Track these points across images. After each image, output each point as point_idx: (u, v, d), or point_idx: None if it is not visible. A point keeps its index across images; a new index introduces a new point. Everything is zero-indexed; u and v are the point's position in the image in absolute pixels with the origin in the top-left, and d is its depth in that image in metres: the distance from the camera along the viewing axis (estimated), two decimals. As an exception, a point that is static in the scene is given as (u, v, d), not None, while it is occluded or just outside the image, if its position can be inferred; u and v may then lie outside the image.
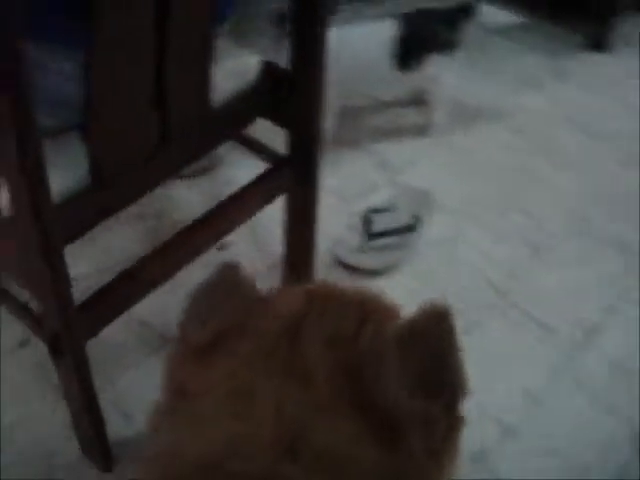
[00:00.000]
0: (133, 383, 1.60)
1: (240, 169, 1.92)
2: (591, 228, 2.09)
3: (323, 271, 1.86)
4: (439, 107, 2.31)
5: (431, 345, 0.63)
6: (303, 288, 0.71)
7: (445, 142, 2.33)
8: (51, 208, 1.05)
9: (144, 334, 1.70)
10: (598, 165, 2.31)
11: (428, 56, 2.17)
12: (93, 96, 1.10)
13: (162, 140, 1.26)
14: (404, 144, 2.32)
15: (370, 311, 0.67)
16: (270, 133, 1.59)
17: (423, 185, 2.12)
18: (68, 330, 1.18)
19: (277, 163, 1.55)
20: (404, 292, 1.89)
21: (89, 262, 1.80)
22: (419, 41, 2.17)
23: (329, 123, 2.23)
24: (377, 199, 2.08)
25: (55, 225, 1.06)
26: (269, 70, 1.42)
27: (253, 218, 1.73)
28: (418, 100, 2.34)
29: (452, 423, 0.64)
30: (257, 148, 1.60)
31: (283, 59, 1.40)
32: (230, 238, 1.93)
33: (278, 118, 1.47)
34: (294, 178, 1.55)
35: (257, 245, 1.94)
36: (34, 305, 1.27)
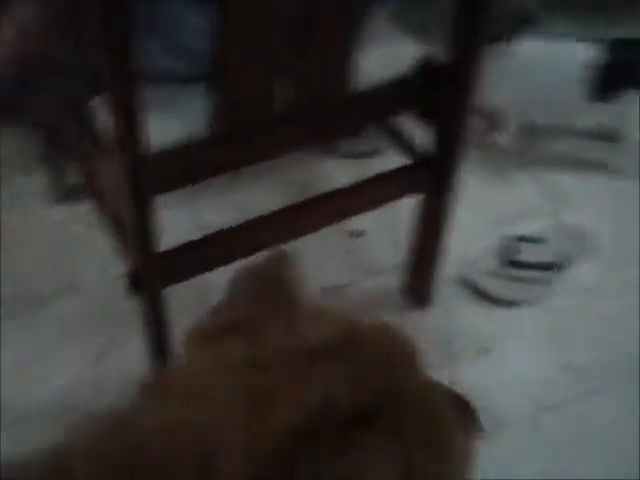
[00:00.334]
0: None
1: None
2: None
3: (445, 287, 1.77)
4: (630, 150, 2.11)
5: None
6: (345, 322, 0.62)
7: (629, 188, 2.12)
8: (144, 151, 1.06)
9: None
10: None
11: (627, 91, 1.98)
12: (223, 51, 1.09)
13: (289, 109, 1.23)
14: (580, 178, 2.14)
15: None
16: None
17: (584, 225, 1.94)
18: (147, 272, 1.19)
19: (417, 160, 1.48)
20: (530, 330, 1.76)
21: (222, 214, 1.83)
22: (621, 73, 1.98)
23: (504, 137, 2.11)
24: (529, 228, 1.94)
25: (143, 169, 1.07)
26: (426, 62, 1.35)
27: (394, 214, 1.67)
28: (606, 136, 2.14)
29: None
30: (402, 142, 1.53)
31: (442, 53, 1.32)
32: (365, 227, 1.90)
33: (426, 113, 1.39)
34: (431, 179, 1.47)
35: (390, 241, 1.88)
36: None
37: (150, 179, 1.09)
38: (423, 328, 1.72)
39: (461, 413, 0.64)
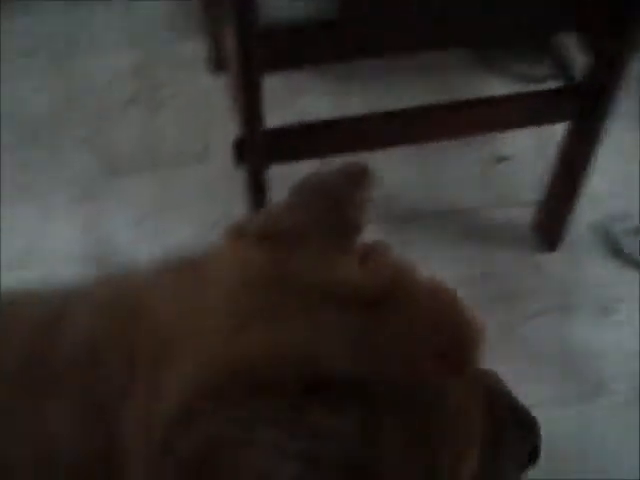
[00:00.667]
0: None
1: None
2: None
3: (579, 233, 1.61)
4: None
5: None
6: (395, 273, 0.54)
7: None
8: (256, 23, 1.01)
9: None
10: None
11: None
12: None
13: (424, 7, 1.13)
14: None
15: None
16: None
17: None
18: (250, 145, 1.17)
19: (569, 82, 1.33)
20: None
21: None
22: None
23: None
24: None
25: (253, 41, 1.03)
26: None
27: (547, 145, 1.53)
28: None
29: None
30: (559, 63, 1.38)
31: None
32: (512, 153, 1.77)
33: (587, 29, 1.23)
34: (582, 106, 1.31)
35: (535, 174, 1.74)
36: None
37: (260, 53, 1.06)
38: (545, 272, 1.60)
39: (520, 428, 0.56)
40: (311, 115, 1.50)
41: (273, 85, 1.53)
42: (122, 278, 0.57)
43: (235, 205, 1.61)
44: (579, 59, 1.46)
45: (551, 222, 1.59)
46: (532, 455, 0.57)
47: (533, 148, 1.73)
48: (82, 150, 1.74)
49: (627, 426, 1.39)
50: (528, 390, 1.22)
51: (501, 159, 1.77)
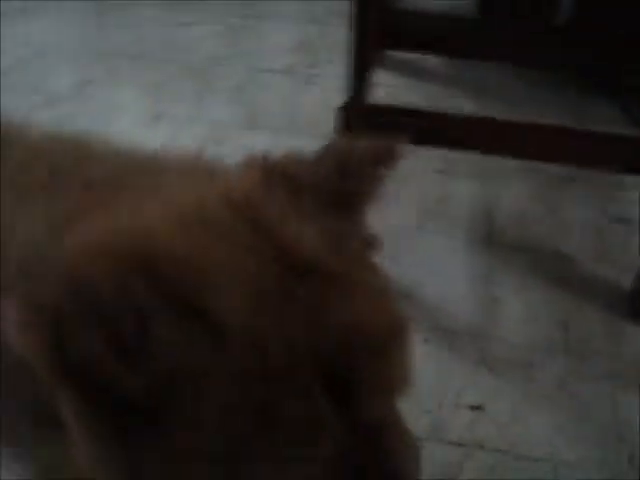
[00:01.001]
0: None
1: None
2: None
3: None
4: None
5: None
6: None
7: None
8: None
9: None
10: None
11: None
12: None
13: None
14: None
15: None
16: None
17: None
18: (354, 111, 1.22)
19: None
20: None
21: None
22: None
23: None
24: None
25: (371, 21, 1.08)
26: None
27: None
28: None
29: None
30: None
31: None
32: (631, 217, 1.71)
33: None
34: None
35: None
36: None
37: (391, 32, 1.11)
38: (624, 341, 1.52)
39: None
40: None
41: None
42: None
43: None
44: None
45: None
46: None
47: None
48: (230, 101, 1.88)
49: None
50: (563, 445, 1.21)
51: (620, 220, 1.71)
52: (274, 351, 0.49)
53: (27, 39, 2.18)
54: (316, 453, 0.53)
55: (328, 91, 1.93)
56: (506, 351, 1.41)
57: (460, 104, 1.71)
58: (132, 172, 0.64)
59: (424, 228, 1.61)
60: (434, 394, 1.37)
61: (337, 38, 2.03)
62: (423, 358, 1.41)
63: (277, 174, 0.58)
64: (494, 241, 1.57)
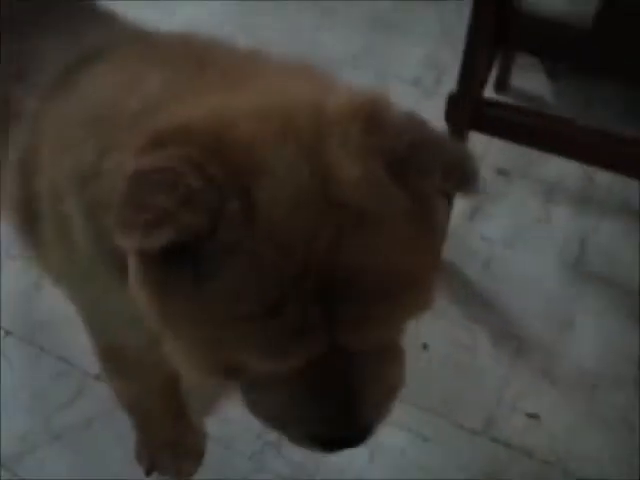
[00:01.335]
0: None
1: None
2: None
3: None
4: None
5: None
6: None
7: None
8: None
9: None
10: None
11: None
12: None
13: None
14: None
15: None
16: None
17: None
18: (460, 106, 1.29)
19: None
20: None
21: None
22: None
23: None
24: None
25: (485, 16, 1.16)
26: None
27: None
28: None
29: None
30: None
31: None
32: None
33: None
34: None
35: None
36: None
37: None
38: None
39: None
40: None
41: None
42: None
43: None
44: None
45: None
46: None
47: None
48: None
49: None
50: (614, 472, 1.23)
51: None
52: (290, 251, 0.58)
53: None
54: (299, 350, 0.61)
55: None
56: (572, 370, 1.45)
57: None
58: (241, 64, 0.75)
59: (518, 243, 1.66)
60: (494, 393, 1.41)
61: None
62: (490, 359, 1.46)
63: (370, 117, 0.64)
64: (581, 269, 1.61)
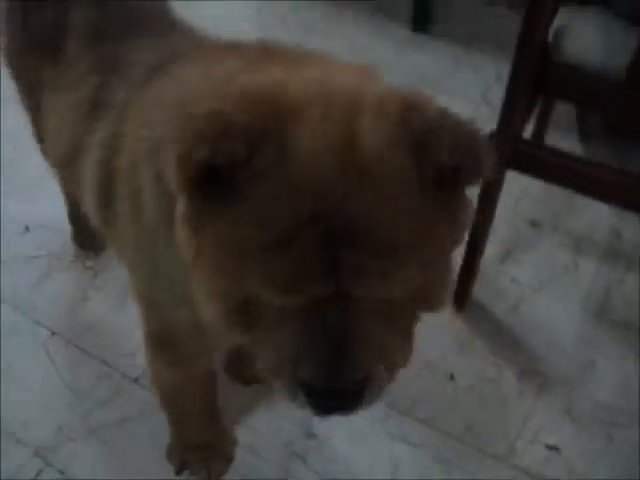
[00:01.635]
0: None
1: None
2: None
3: None
4: None
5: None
6: None
7: None
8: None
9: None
10: None
11: None
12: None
13: None
14: None
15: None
16: None
17: None
18: (500, 142, 1.38)
19: None
20: None
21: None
22: None
23: None
24: None
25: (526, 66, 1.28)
26: None
27: None
28: None
29: None
30: None
31: None
32: None
33: None
34: None
35: None
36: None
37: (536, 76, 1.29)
38: None
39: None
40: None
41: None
42: None
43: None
44: None
45: None
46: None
47: None
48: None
49: None
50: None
51: None
52: (309, 193, 0.68)
53: None
54: (307, 286, 0.69)
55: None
56: (592, 407, 1.50)
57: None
58: (303, 56, 0.86)
59: (546, 288, 1.73)
60: (516, 424, 1.46)
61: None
62: (514, 392, 1.51)
63: (404, 103, 0.73)
64: (605, 316, 1.67)
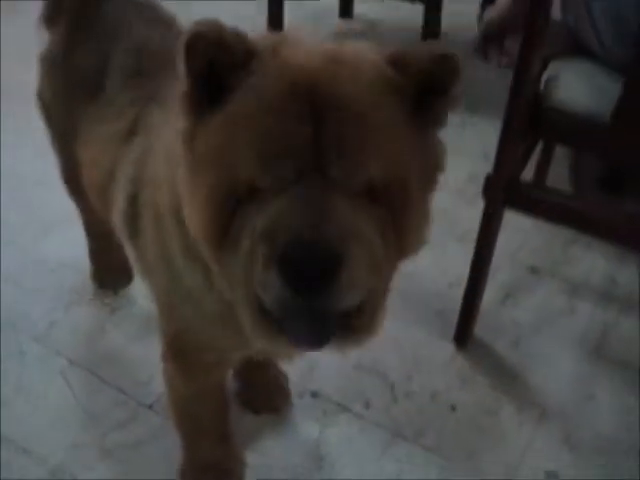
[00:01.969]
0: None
1: None
2: None
3: None
4: None
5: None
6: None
7: None
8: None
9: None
10: None
11: None
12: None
13: None
14: None
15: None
16: None
17: None
18: (494, 184, 1.49)
19: None
20: None
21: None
22: None
23: None
24: None
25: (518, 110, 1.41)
26: None
27: None
28: None
29: None
30: None
31: None
32: None
33: None
34: None
35: None
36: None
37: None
38: None
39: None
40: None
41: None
42: None
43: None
44: None
45: None
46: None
47: None
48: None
49: None
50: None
51: None
52: (294, 85, 0.80)
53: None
54: (292, 159, 0.78)
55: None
56: (591, 438, 1.54)
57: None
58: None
59: (544, 329, 1.80)
60: (516, 453, 1.51)
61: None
62: (514, 424, 1.57)
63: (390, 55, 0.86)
64: (602, 354, 1.73)
